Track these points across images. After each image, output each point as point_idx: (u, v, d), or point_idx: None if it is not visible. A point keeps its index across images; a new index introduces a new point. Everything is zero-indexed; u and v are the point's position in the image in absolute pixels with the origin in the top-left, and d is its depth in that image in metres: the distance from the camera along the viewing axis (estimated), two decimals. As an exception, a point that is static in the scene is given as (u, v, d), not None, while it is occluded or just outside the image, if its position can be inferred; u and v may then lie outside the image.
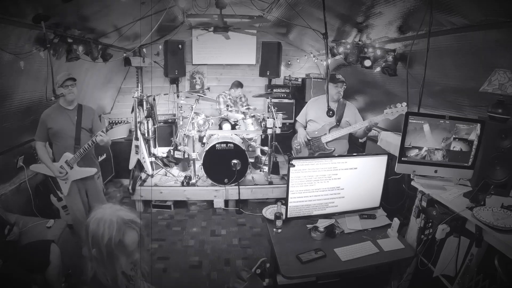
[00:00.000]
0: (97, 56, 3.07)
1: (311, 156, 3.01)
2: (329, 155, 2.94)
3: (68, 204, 2.81)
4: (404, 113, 2.53)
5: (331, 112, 2.52)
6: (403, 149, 2.00)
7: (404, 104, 2.58)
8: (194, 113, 3.99)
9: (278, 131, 3.87)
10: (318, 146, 3.03)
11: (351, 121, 2.98)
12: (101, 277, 1.12)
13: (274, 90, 5.06)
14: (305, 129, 3.14)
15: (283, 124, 4.62)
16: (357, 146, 4.01)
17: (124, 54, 4.15)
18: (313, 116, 3.09)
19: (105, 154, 4.18)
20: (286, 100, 5.08)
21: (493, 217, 1.53)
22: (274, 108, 3.88)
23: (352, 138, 4.09)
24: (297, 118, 3.31)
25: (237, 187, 3.78)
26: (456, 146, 1.96)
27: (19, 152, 2.90)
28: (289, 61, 5.38)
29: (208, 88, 5.01)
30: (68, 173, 2.58)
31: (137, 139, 3.73)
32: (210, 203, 3.89)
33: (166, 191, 3.80)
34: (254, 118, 4.23)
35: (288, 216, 2.17)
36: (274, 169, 4.10)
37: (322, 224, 2.14)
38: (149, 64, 4.68)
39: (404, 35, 2.47)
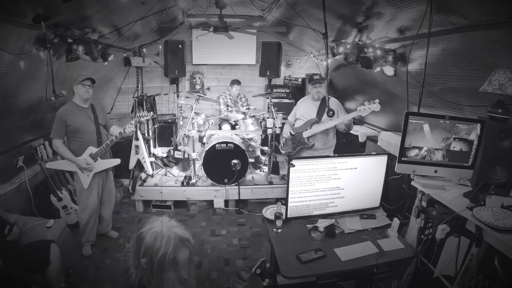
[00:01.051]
0: (97, 56, 3.06)
1: (311, 156, 3.02)
2: (328, 155, 2.95)
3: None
4: (376, 110, 2.75)
5: (331, 112, 2.53)
6: (403, 149, 1.99)
7: (377, 101, 2.75)
8: (194, 113, 3.99)
9: (278, 131, 3.87)
10: (299, 140, 3.21)
11: (334, 116, 3.00)
12: (146, 283, 1.13)
13: (274, 90, 5.07)
14: (292, 127, 3.36)
15: (283, 124, 4.63)
16: (357, 146, 4.01)
17: (124, 54, 4.15)
18: (299, 114, 3.29)
19: (105, 154, 4.17)
20: (286, 100, 5.08)
21: (493, 217, 1.53)
22: (274, 108, 3.88)
23: (352, 138, 4.11)
24: (288, 117, 3.51)
25: (237, 187, 3.78)
26: (456, 146, 1.96)
27: (19, 152, 2.90)
28: (289, 61, 5.38)
29: (208, 88, 5.01)
30: (93, 165, 2.70)
31: (137, 139, 3.73)
32: (210, 203, 3.89)
33: (166, 191, 3.79)
34: (254, 118, 4.23)
35: (288, 216, 2.17)
36: (274, 169, 4.10)
37: (322, 224, 2.14)
38: (149, 64, 4.69)
39: (404, 35, 2.47)
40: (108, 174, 2.98)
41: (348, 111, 3.30)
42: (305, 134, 3.16)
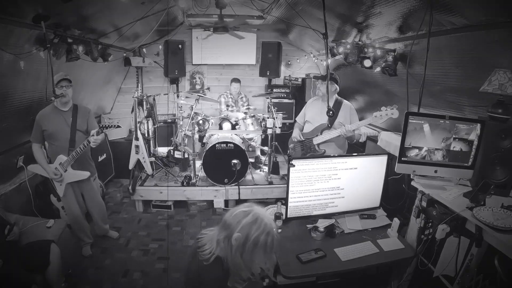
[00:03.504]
0: (97, 56, 3.07)
1: (311, 156, 3.01)
2: (328, 155, 2.92)
3: (64, 205, 2.83)
4: (394, 116, 2.47)
5: (331, 112, 2.50)
6: (403, 149, 1.99)
7: (395, 107, 2.47)
8: (194, 113, 3.99)
9: (278, 131, 3.87)
10: (309, 147, 3.02)
11: (346, 122, 2.85)
12: (223, 260, 1.24)
13: (274, 90, 5.06)
14: (302, 130, 3.16)
15: (283, 124, 4.62)
16: (357, 146, 4.01)
17: (124, 54, 4.15)
18: (309, 117, 3.09)
19: (105, 154, 4.18)
20: (286, 100, 5.08)
21: (493, 217, 1.53)
22: (274, 108, 3.88)
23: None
24: (296, 118, 3.32)
25: (237, 187, 3.78)
26: (456, 146, 1.96)
27: (19, 152, 2.90)
28: (289, 61, 5.38)
29: (208, 88, 5.01)
30: (63, 175, 2.58)
31: (137, 139, 3.73)
32: (210, 203, 3.89)
33: (166, 191, 3.79)
34: (254, 118, 4.23)
35: (288, 216, 2.17)
36: (274, 169, 4.10)
37: (322, 224, 2.14)
38: (149, 64, 4.69)
39: (404, 35, 2.47)
40: (87, 184, 2.76)
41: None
42: (316, 141, 2.96)
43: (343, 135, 2.77)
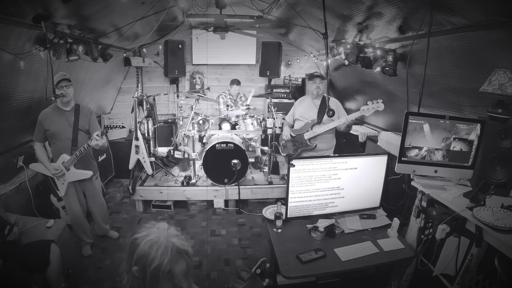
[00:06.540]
0: (97, 56, 3.07)
1: (311, 156, 3.01)
2: (328, 155, 2.95)
3: (66, 204, 2.83)
4: (380, 109, 2.70)
5: (331, 112, 2.53)
6: (403, 149, 1.99)
7: (380, 100, 2.70)
8: (194, 113, 3.99)
9: (278, 131, 3.87)
10: (301, 142, 3.17)
11: (334, 117, 2.95)
12: None
13: (274, 90, 5.07)
14: (292, 128, 3.32)
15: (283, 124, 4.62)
16: (357, 146, 4.01)
17: (124, 54, 4.15)
18: (298, 114, 3.24)
19: (105, 154, 4.18)
20: (286, 100, 5.09)
21: (493, 217, 1.53)
22: (274, 108, 3.88)
23: (352, 139, 4.11)
24: (285, 118, 3.48)
25: (237, 187, 3.78)
26: (456, 146, 1.96)
27: (19, 152, 2.90)
28: (289, 61, 5.39)
29: (208, 88, 5.02)
30: (65, 174, 2.60)
31: (137, 139, 3.73)
32: (210, 203, 3.89)
33: (166, 191, 3.79)
34: (254, 118, 4.23)
35: (288, 216, 2.17)
36: (274, 169, 4.10)
37: (322, 224, 2.14)
38: (149, 64, 4.68)
39: (404, 35, 2.47)
40: (89, 183, 2.77)
41: (348, 111, 3.29)
42: (307, 136, 3.11)
43: (347, 123, 2.92)
